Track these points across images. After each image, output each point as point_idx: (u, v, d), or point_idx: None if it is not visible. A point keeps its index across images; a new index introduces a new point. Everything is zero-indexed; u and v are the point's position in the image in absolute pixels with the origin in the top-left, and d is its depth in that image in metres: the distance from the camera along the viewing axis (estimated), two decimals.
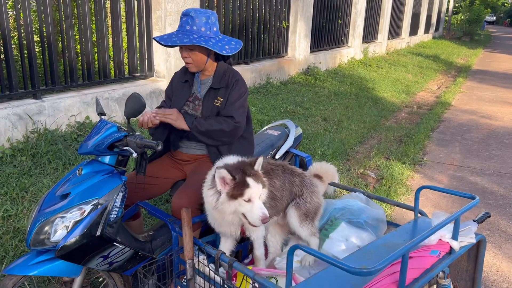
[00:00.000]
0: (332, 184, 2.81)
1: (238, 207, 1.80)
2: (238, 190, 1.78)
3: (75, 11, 4.94)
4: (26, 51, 4.13)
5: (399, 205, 2.39)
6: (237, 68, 7.08)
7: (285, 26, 8.57)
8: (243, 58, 7.41)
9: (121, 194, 2.03)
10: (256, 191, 1.80)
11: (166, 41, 2.29)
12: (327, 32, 10.45)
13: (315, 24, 9.57)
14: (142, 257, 2.13)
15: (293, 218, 2.19)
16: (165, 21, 5.36)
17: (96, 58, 5.04)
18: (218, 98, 2.41)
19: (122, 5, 5.24)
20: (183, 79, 2.51)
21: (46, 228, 1.90)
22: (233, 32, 7.06)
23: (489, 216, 2.10)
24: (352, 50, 11.84)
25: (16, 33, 4.21)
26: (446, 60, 15.32)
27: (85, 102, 4.49)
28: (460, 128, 6.93)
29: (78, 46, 4.73)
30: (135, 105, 2.03)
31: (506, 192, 4.43)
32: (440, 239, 1.80)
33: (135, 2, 5.25)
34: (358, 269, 1.32)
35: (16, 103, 4.04)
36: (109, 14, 5.19)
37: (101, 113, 2.26)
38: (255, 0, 7.49)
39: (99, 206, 1.93)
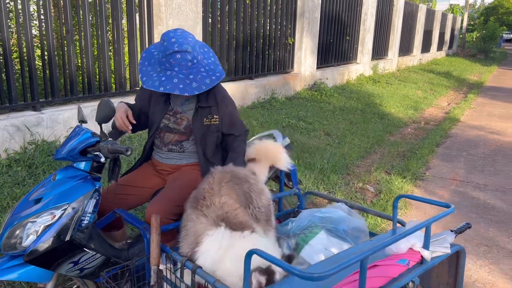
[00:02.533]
0: (313, 193, 2.77)
1: None
2: None
3: (77, 26, 5.06)
4: (26, 64, 4.24)
5: (380, 215, 2.34)
6: (240, 83, 7.14)
7: (291, 42, 8.62)
8: (247, 73, 7.46)
9: (93, 200, 2.03)
10: None
11: (186, 89, 2.20)
12: (335, 48, 10.48)
13: (322, 40, 9.61)
14: (114, 264, 2.12)
15: None
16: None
17: (97, 72, 5.14)
18: (215, 116, 2.43)
19: (124, 20, 5.35)
20: (158, 94, 2.47)
21: (17, 232, 1.90)
22: (237, 48, 7.14)
23: (469, 227, 2.03)
24: (361, 67, 11.82)
25: (17, 47, 4.32)
26: (458, 77, 15.17)
27: (84, 114, 4.55)
28: (467, 143, 6.79)
29: (79, 60, 4.83)
30: (105, 111, 2.05)
31: (509, 208, 4.30)
32: (411, 248, 1.74)
33: (137, 17, 5.36)
34: (309, 274, 1.29)
35: (15, 114, 4.13)
36: (110, 29, 5.31)
37: (82, 121, 2.29)
38: (260, 17, 7.57)
39: (69, 211, 1.93)
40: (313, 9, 8.83)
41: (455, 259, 1.98)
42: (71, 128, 4.46)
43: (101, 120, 2.07)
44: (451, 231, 1.94)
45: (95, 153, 2.01)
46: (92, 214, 2.03)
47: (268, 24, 7.86)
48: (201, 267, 1.71)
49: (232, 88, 6.84)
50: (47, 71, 4.45)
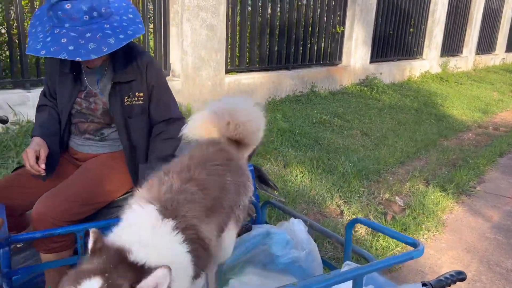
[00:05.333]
0: (272, 204, 2.07)
1: None
2: None
3: None
4: (18, 40, 3.98)
5: (331, 236, 1.61)
6: (273, 73, 6.47)
7: (340, 31, 7.77)
8: (283, 63, 6.77)
9: None
10: None
11: (77, 52, 1.58)
12: (395, 41, 9.38)
13: (378, 31, 8.61)
14: None
15: (230, 240, 1.46)
16: (182, 16, 4.96)
17: None
18: (137, 94, 1.88)
19: None
20: (64, 69, 1.88)
21: None
22: (271, 34, 6.48)
23: (462, 279, 1.24)
24: (426, 63, 10.54)
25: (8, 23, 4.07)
26: None
27: None
28: None
29: None
30: None
31: None
32: None
33: None
34: None
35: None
36: None
37: None
38: (302, 0, 6.85)
39: None
40: None
41: None
42: None
43: None
44: (424, 284, 1.17)
45: None
46: None
47: (312, 9, 7.10)
48: None
49: (262, 78, 6.21)
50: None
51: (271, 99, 6.37)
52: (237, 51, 6.10)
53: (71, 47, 1.59)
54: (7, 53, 4.23)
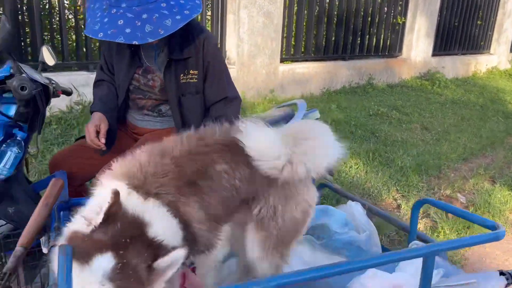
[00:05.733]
0: (328, 186, 1.98)
1: None
2: None
3: None
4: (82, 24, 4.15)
5: (391, 221, 1.50)
6: (329, 63, 6.32)
7: (401, 22, 7.43)
8: (339, 53, 6.59)
9: (11, 154, 1.62)
10: None
11: (134, 35, 1.54)
12: (460, 33, 8.84)
13: (442, 22, 8.16)
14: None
15: (253, 245, 1.31)
16: (239, 2, 4.95)
17: None
18: (191, 72, 1.83)
19: None
20: (123, 45, 1.80)
21: None
22: (329, 23, 6.33)
23: None
24: (495, 58, 9.86)
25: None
26: None
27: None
28: None
29: None
30: (2, 33, 1.59)
31: None
32: None
33: None
34: None
35: (65, 73, 4.06)
36: None
37: (42, 62, 1.92)
38: None
39: None
40: None
41: None
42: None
43: (2, 45, 1.61)
44: (502, 273, 1.05)
45: (5, 93, 1.58)
46: (8, 169, 1.62)
47: None
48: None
49: (317, 68, 6.09)
50: None
51: (325, 90, 6.23)
52: (292, 39, 6.00)
53: (127, 30, 1.56)
54: (74, 37, 4.43)
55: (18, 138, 1.65)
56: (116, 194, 0.96)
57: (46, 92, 1.74)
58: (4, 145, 1.61)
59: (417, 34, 7.57)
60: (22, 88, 1.49)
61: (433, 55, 8.14)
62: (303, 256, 1.43)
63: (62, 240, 0.99)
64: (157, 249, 0.95)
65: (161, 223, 1.01)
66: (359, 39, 6.84)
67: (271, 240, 1.26)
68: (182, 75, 1.82)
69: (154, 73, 1.86)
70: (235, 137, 1.26)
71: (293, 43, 6.01)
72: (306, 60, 6.13)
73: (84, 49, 4.21)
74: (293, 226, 1.28)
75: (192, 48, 1.81)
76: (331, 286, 1.01)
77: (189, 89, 1.85)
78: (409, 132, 5.17)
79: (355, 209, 1.63)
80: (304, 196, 1.31)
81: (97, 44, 4.41)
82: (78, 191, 1.97)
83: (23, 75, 1.58)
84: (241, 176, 1.23)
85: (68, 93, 2.05)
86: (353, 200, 1.71)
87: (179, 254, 0.94)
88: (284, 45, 5.80)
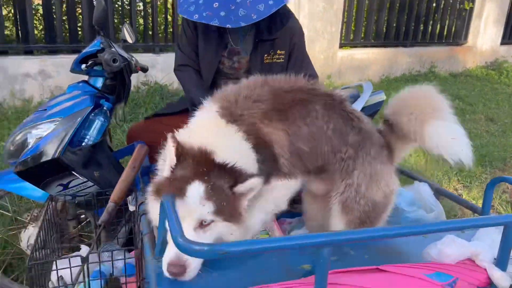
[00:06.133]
0: None
1: None
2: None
3: None
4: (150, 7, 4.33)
5: (461, 202, 1.49)
6: (389, 50, 6.17)
7: (468, 8, 7.07)
8: (400, 39, 6.40)
9: (98, 122, 1.78)
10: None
11: (228, 19, 1.57)
12: None
13: None
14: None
15: (337, 222, 1.32)
16: None
17: None
18: (278, 52, 1.83)
19: None
20: (211, 27, 1.79)
21: (17, 139, 1.78)
22: (391, 8, 6.15)
23: None
24: None
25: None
26: None
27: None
28: None
29: None
30: (98, 10, 1.72)
31: None
32: (470, 260, 0.96)
33: None
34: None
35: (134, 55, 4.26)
36: None
37: (124, 40, 2.06)
38: None
39: (59, 127, 1.70)
40: None
41: None
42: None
43: (96, 23, 1.74)
44: None
45: (95, 66, 1.72)
46: (94, 136, 1.77)
47: None
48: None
49: (377, 54, 5.96)
50: (169, 16, 4.49)
51: (384, 77, 6.09)
52: (352, 25, 5.91)
53: (222, 13, 1.58)
54: (141, 21, 4.64)
55: (104, 108, 1.79)
56: (173, 138, 1.07)
57: (129, 67, 1.87)
58: (92, 114, 1.76)
59: (485, 21, 7.18)
60: (114, 61, 1.62)
61: (502, 43, 7.69)
62: None
63: (151, 192, 1.10)
64: (234, 174, 1.04)
65: (231, 150, 1.08)
66: (422, 25, 6.59)
67: (355, 224, 1.26)
68: (266, 55, 1.83)
69: (239, 55, 1.86)
70: (341, 95, 1.32)
71: (353, 28, 5.92)
72: (366, 46, 6.02)
73: (150, 32, 4.40)
74: (375, 210, 1.28)
75: (280, 29, 1.81)
76: (407, 252, 1.03)
77: (274, 69, 1.83)
78: (473, 123, 4.97)
79: (422, 189, 1.63)
80: (387, 180, 1.32)
81: (162, 27, 4.59)
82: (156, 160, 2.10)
83: (113, 49, 1.72)
84: (334, 128, 1.24)
85: (144, 69, 2.18)
86: (420, 181, 1.71)
87: (257, 181, 1.04)
88: (344, 30, 5.72)
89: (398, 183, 1.38)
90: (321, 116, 1.23)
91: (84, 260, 1.17)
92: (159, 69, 4.26)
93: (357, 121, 1.31)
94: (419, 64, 6.49)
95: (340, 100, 1.31)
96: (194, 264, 0.94)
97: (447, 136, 1.25)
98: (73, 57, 1.86)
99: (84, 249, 1.41)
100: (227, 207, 1.00)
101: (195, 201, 0.98)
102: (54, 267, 1.27)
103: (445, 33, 6.97)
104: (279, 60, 1.85)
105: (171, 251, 0.94)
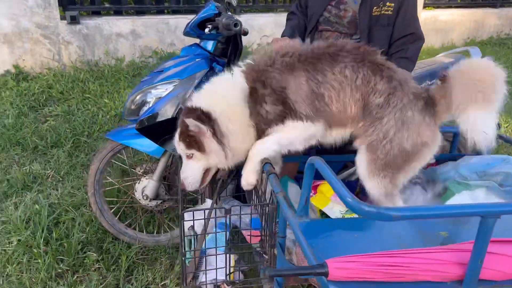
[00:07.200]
0: (500, 137, 1.92)
1: None
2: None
3: None
4: None
5: None
6: (476, 11, 5.75)
7: None
8: (490, 0, 5.94)
9: None
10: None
11: None
12: None
13: None
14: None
15: (361, 165, 1.43)
16: None
17: None
18: (388, 4, 1.86)
19: None
20: None
21: (137, 98, 1.92)
22: None
23: None
24: None
25: None
26: None
27: (278, 23, 4.45)
28: None
29: None
30: None
31: None
32: None
33: None
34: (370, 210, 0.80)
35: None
36: None
37: (228, 2, 2.11)
38: None
39: (178, 88, 1.82)
40: None
41: None
42: (264, 35, 4.44)
43: None
44: None
45: (211, 30, 1.79)
46: None
47: None
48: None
49: (462, 16, 5.60)
50: None
51: (469, 40, 5.73)
52: None
53: None
54: None
55: (216, 71, 1.88)
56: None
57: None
58: (204, 77, 1.85)
59: None
60: (235, 25, 1.68)
61: None
62: (479, 198, 1.48)
63: None
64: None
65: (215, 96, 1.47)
66: None
67: (377, 163, 1.39)
68: (376, 7, 1.87)
69: (346, 4, 1.91)
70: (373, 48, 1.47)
71: None
72: (450, 7, 5.65)
73: None
74: (401, 155, 1.38)
75: None
76: None
77: (381, 21, 1.88)
78: None
79: None
80: (419, 130, 1.38)
81: None
82: None
83: (229, 13, 1.78)
84: (364, 77, 1.40)
85: (245, 33, 2.23)
86: None
87: (191, 122, 1.42)
88: None
89: (436, 138, 1.44)
90: (350, 67, 1.40)
91: (227, 212, 1.29)
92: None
93: (387, 70, 1.43)
94: (510, 26, 6.01)
95: (370, 52, 1.45)
96: None
97: (480, 128, 1.36)
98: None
99: (208, 202, 1.55)
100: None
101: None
102: (186, 217, 1.40)
103: None
104: (388, 12, 1.88)
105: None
